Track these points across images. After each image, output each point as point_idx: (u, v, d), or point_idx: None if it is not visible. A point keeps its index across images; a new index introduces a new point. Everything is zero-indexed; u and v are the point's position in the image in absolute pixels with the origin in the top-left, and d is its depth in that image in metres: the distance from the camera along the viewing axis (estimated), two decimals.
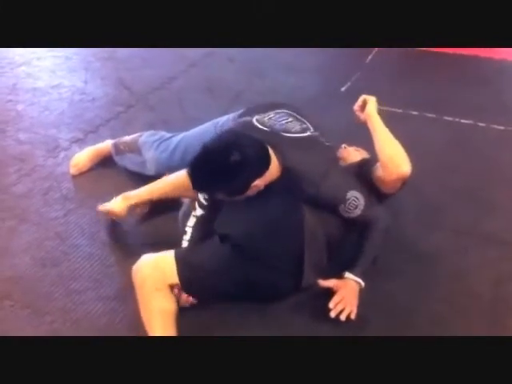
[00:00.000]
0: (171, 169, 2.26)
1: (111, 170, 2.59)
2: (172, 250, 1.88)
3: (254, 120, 2.07)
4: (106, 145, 2.61)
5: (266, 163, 1.83)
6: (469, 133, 2.91)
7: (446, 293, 2.01)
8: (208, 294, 1.91)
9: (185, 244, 1.96)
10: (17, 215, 2.33)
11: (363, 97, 2.06)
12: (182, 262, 1.83)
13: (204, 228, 1.97)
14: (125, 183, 2.43)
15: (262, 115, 2.11)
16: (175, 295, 1.83)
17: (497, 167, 2.65)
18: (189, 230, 1.99)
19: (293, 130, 2.03)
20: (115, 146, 2.57)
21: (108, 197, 2.33)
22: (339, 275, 1.93)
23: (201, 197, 1.95)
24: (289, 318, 1.91)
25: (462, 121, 2.98)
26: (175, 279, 1.81)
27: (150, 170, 2.42)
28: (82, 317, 1.90)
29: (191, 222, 1.98)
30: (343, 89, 3.27)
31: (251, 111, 2.19)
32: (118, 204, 2.21)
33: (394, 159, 1.91)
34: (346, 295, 1.87)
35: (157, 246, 2.08)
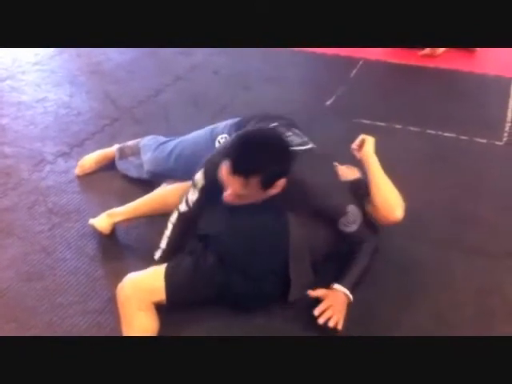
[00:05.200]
0: (166, 170, 2.36)
1: (98, 184, 2.59)
2: (156, 266, 1.90)
3: None
4: (113, 149, 2.65)
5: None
6: (452, 146, 2.94)
7: (431, 304, 2.03)
8: (191, 304, 1.92)
9: (164, 239, 2.01)
10: (2, 229, 2.32)
11: (362, 136, 2.07)
12: (169, 279, 1.84)
13: (185, 226, 2.00)
14: (111, 198, 2.44)
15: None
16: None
17: (480, 180, 2.69)
18: (170, 225, 2.01)
19: (294, 143, 1.96)
20: (120, 150, 2.62)
21: (94, 211, 2.33)
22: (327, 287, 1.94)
23: (190, 194, 1.96)
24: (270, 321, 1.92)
25: (445, 134, 3.02)
26: (161, 296, 1.82)
27: (147, 171, 2.47)
28: (67, 331, 1.89)
29: (173, 217, 2.01)
30: (328, 103, 3.30)
31: (249, 120, 2.19)
32: (102, 221, 2.23)
33: (388, 204, 1.95)
34: (333, 304, 1.87)
35: (143, 259, 2.09)
